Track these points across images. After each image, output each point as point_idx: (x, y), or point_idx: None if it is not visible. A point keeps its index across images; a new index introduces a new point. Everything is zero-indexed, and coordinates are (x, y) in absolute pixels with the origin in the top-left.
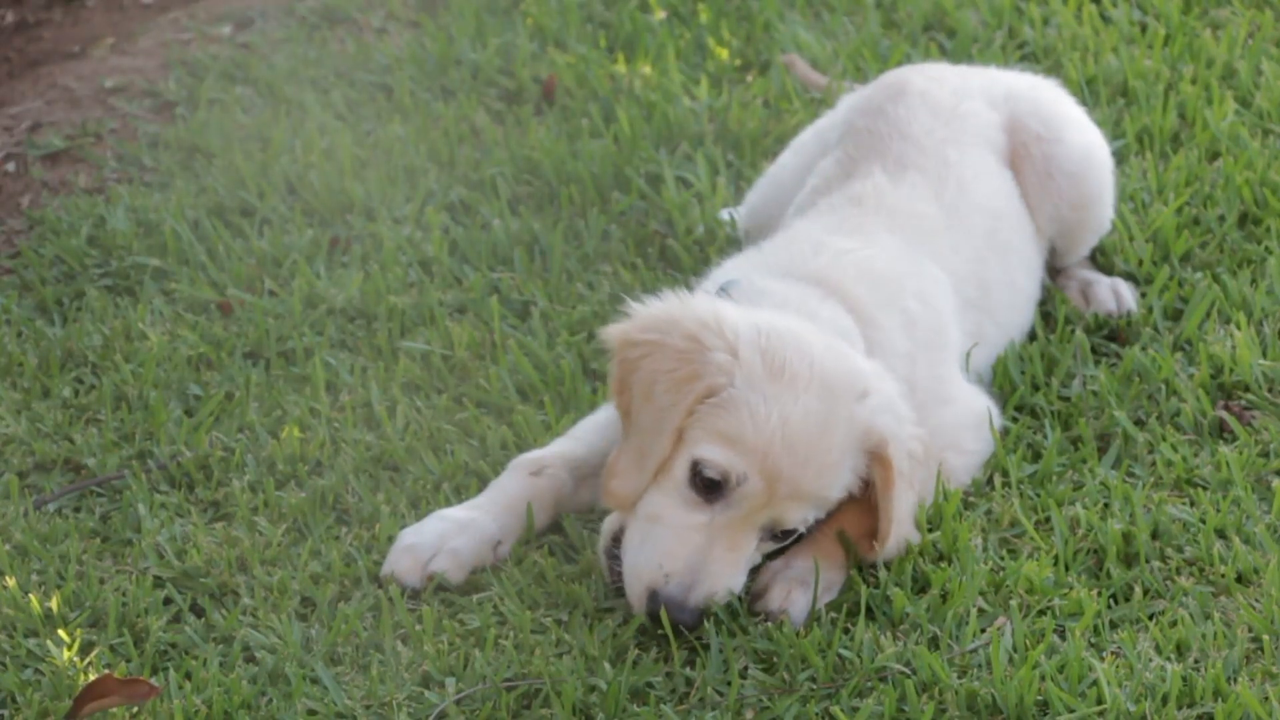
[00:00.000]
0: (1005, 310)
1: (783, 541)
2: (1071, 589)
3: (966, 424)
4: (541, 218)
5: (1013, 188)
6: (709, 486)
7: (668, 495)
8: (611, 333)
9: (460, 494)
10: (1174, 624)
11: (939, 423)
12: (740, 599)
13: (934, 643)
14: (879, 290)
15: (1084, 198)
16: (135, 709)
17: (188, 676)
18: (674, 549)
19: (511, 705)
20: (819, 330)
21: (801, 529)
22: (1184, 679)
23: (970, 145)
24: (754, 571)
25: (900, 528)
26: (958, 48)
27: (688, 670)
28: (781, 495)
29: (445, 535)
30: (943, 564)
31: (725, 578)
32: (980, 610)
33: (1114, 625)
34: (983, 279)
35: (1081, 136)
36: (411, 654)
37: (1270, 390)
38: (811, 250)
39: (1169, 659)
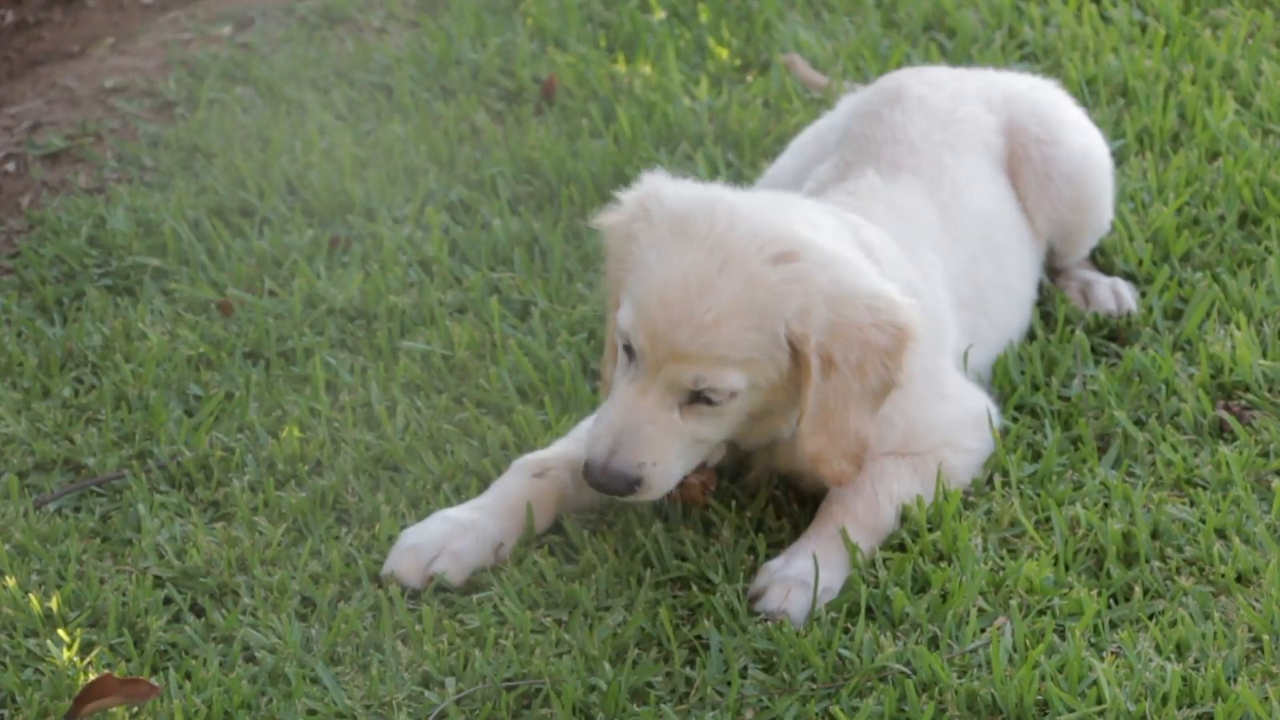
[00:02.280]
0: (1000, 311)
1: (715, 404)
2: (1071, 589)
3: (965, 421)
4: (541, 218)
5: (1008, 191)
6: (628, 350)
7: (616, 368)
8: (597, 225)
9: (460, 494)
10: (1174, 624)
11: (936, 419)
12: (740, 598)
13: (934, 643)
14: (887, 250)
15: (1083, 199)
16: (135, 709)
17: (188, 676)
18: (603, 417)
19: (511, 705)
20: (799, 211)
21: (716, 396)
22: (1184, 679)
23: (966, 149)
24: (754, 573)
25: (827, 426)
26: (958, 48)
27: (688, 670)
28: (663, 355)
29: (447, 536)
30: (943, 564)
31: (652, 449)
32: (980, 610)
33: (1114, 625)
34: (976, 280)
35: (1080, 138)
36: (411, 654)
37: (1270, 390)
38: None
39: (1169, 659)
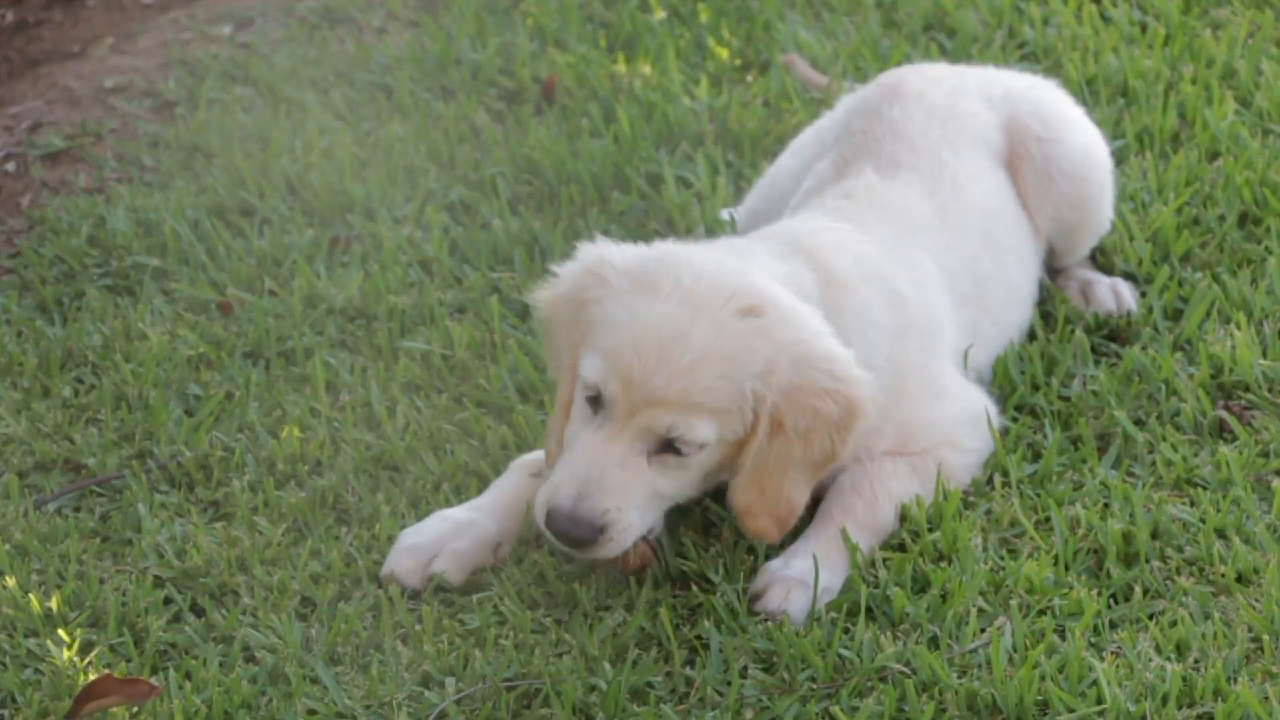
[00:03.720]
0: (1002, 309)
1: (683, 455)
2: (1071, 589)
3: (963, 421)
4: (541, 218)
5: (1008, 188)
6: (595, 402)
7: (574, 423)
8: (536, 301)
9: (460, 494)
10: (1174, 624)
11: (934, 417)
12: (740, 598)
13: (934, 643)
14: (863, 265)
15: (1083, 198)
16: (135, 709)
17: (188, 676)
18: (564, 465)
19: (511, 705)
20: (757, 271)
21: (685, 446)
22: (1184, 679)
23: (966, 146)
24: (754, 573)
25: (761, 483)
26: (958, 48)
27: (688, 670)
28: (639, 401)
29: (446, 536)
30: (943, 564)
31: (617, 495)
32: (980, 610)
33: (1114, 625)
34: (977, 276)
35: (1081, 137)
36: (411, 654)
37: (1270, 390)
38: (806, 229)
39: (1169, 659)
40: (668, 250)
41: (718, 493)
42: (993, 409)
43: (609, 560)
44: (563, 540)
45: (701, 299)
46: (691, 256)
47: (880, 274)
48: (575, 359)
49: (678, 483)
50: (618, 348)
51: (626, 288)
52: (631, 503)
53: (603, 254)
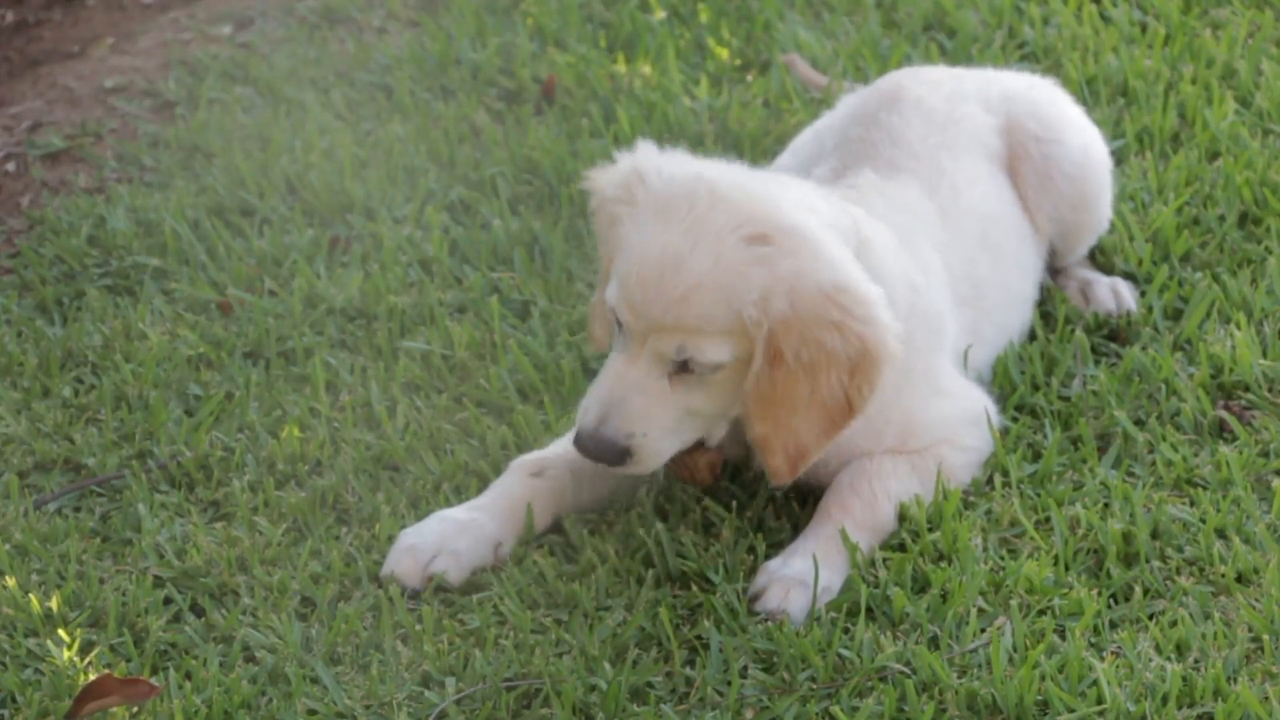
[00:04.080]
0: (1000, 310)
1: (700, 375)
2: (1071, 589)
3: (963, 419)
4: (541, 218)
5: (1006, 192)
6: (616, 323)
7: (613, 344)
8: (590, 187)
9: (460, 494)
10: (1174, 624)
11: (934, 416)
12: (740, 598)
13: (934, 643)
14: (889, 243)
15: (1083, 197)
16: (135, 709)
17: (188, 676)
18: (593, 389)
19: (511, 705)
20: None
21: (699, 367)
22: (1184, 679)
23: (964, 151)
24: (754, 572)
25: (773, 416)
26: (958, 48)
27: (688, 670)
28: (644, 327)
29: (446, 536)
30: (943, 564)
31: (640, 420)
32: (980, 610)
33: (1114, 625)
34: (975, 279)
35: (1080, 136)
36: (411, 654)
37: (1270, 390)
38: (852, 195)
39: (1169, 659)
40: (698, 173)
41: (718, 493)
42: (993, 409)
43: (677, 475)
44: (590, 458)
45: (709, 226)
46: (719, 180)
47: (899, 257)
48: (608, 274)
49: (708, 399)
50: (627, 275)
51: (648, 212)
52: (656, 426)
53: (639, 167)
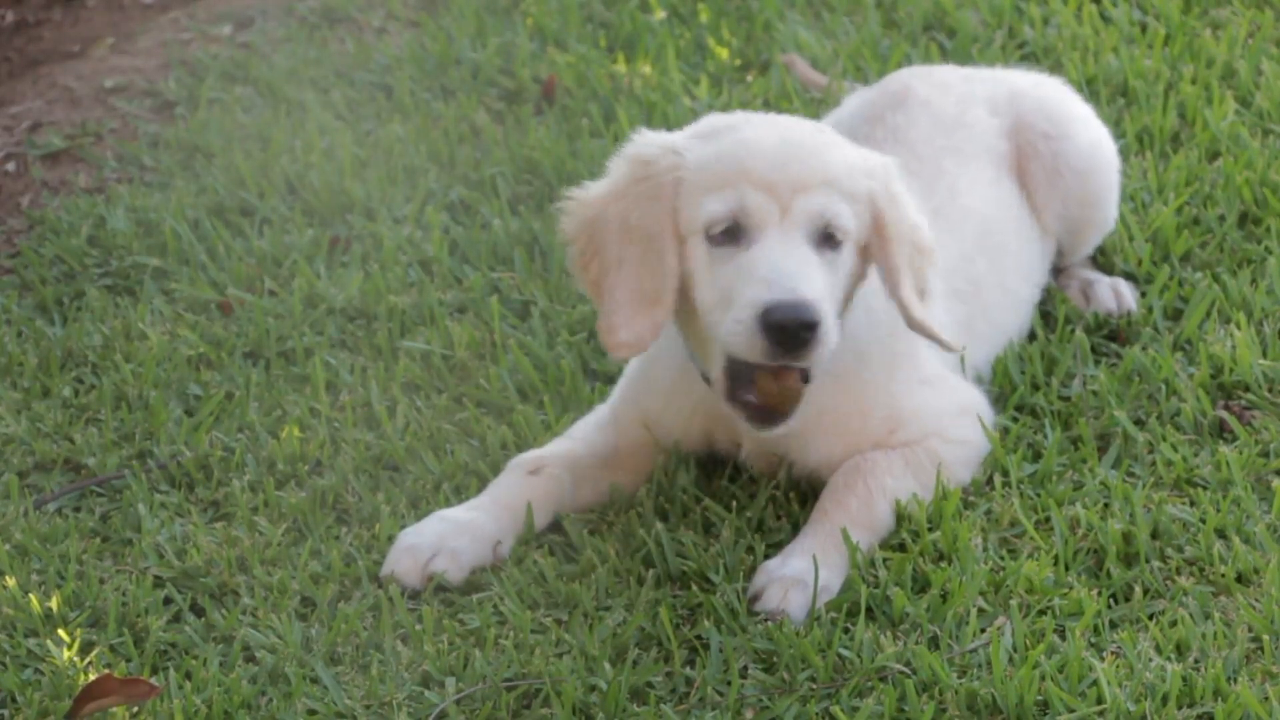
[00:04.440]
0: (998, 309)
1: (838, 246)
2: (1071, 589)
3: (951, 410)
4: (541, 218)
5: (1011, 195)
6: (731, 236)
7: (710, 277)
8: (570, 211)
9: (460, 494)
10: (1174, 624)
11: (921, 404)
12: (740, 598)
13: (934, 643)
14: None
15: (1091, 194)
16: (135, 709)
17: (188, 676)
18: (749, 283)
19: (511, 705)
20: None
21: (839, 233)
22: (1184, 679)
23: (970, 156)
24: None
25: (907, 288)
26: (958, 48)
27: (688, 670)
28: (786, 193)
29: (445, 536)
30: (943, 564)
31: (814, 283)
32: (980, 610)
33: (1114, 625)
34: (971, 277)
35: (1089, 133)
36: (411, 654)
37: (1270, 390)
38: None
39: (1169, 659)
40: (725, 116)
41: (718, 493)
42: (984, 404)
43: (768, 397)
44: (784, 336)
45: (779, 119)
46: (746, 117)
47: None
48: (673, 227)
49: (834, 286)
50: (738, 167)
51: (700, 141)
52: (829, 305)
53: (651, 139)
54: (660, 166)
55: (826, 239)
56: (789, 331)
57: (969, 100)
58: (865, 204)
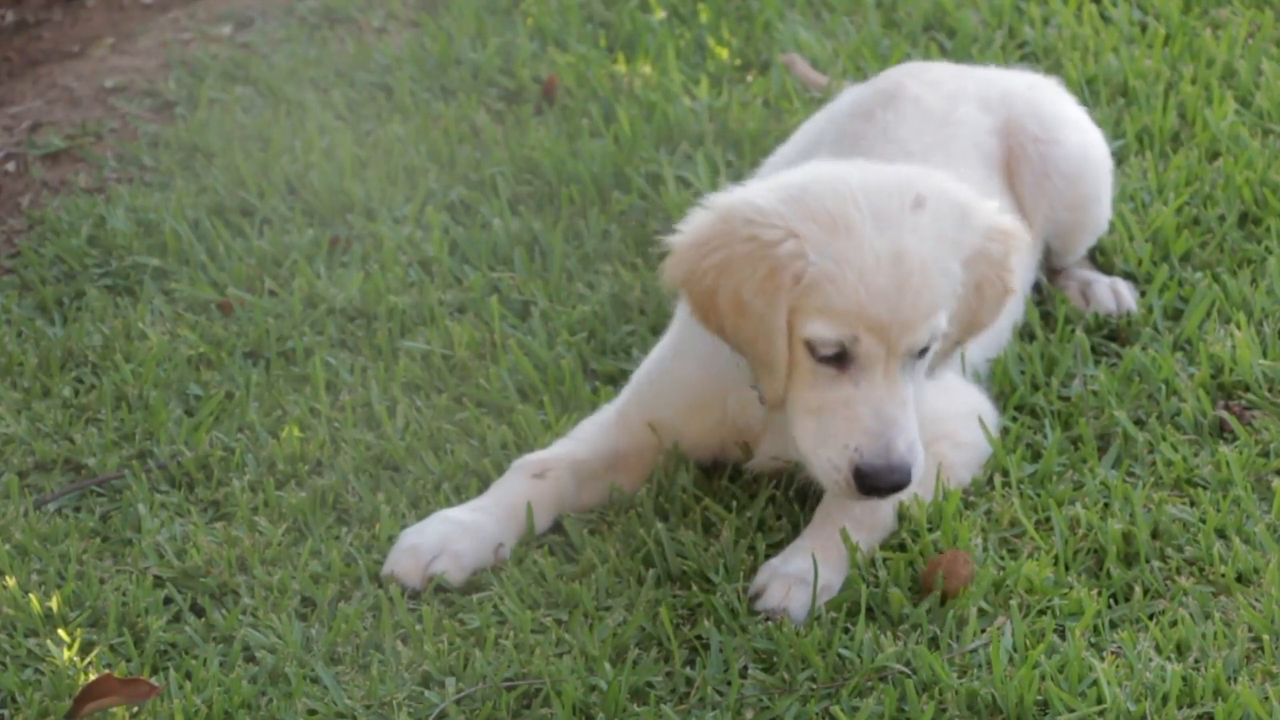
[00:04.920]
0: None
1: (924, 356)
2: (1071, 589)
3: (960, 414)
4: (541, 218)
5: (997, 194)
6: (837, 359)
7: (810, 384)
8: (671, 268)
9: (460, 494)
10: (1174, 624)
11: (934, 410)
12: (740, 598)
13: (934, 643)
14: None
15: (1081, 198)
16: (135, 709)
17: (188, 676)
18: (848, 426)
19: (511, 705)
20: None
21: (934, 342)
22: (1184, 679)
23: (958, 153)
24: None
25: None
26: (958, 48)
27: (688, 670)
28: (896, 335)
29: (447, 537)
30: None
31: (909, 426)
32: (980, 610)
33: (1114, 625)
34: None
35: (1079, 137)
36: (411, 654)
37: (1270, 390)
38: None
39: (1169, 659)
40: (809, 178)
41: (718, 493)
42: (989, 408)
43: None
44: (879, 493)
45: (887, 216)
46: (831, 176)
47: None
48: (787, 319)
49: (921, 386)
50: (857, 304)
51: (823, 236)
52: (915, 417)
53: (755, 203)
54: (780, 252)
55: (924, 350)
56: (882, 490)
57: (959, 96)
58: (975, 266)
